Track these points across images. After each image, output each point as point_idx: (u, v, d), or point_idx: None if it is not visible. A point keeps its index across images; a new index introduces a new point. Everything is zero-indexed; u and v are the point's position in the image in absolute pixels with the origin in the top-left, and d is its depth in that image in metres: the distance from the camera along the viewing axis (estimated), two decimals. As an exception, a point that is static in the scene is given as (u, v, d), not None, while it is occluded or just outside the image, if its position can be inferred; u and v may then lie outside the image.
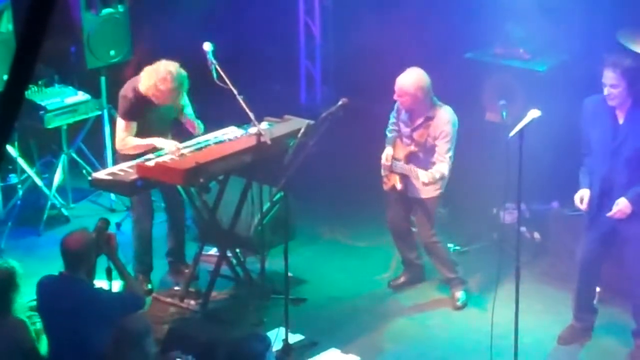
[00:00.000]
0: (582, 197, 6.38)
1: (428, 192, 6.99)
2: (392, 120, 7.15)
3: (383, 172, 7.12)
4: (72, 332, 5.35)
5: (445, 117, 6.85)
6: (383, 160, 7.02)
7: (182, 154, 6.78)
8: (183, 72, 6.81)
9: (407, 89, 6.80)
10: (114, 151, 8.60)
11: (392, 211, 7.32)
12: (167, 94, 6.77)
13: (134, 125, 6.95)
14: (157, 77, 6.74)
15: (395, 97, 6.90)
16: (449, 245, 7.54)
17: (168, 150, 6.82)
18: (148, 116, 6.97)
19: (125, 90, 6.96)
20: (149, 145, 6.90)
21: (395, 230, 7.38)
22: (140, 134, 6.96)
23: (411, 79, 6.80)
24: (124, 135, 6.97)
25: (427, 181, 6.67)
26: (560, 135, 7.47)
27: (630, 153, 6.19)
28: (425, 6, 9.02)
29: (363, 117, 8.53)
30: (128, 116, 6.94)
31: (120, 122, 6.99)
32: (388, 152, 7.04)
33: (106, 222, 5.69)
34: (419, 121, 6.91)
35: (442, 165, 6.75)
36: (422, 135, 6.90)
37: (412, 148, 6.94)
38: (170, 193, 7.28)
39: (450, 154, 6.83)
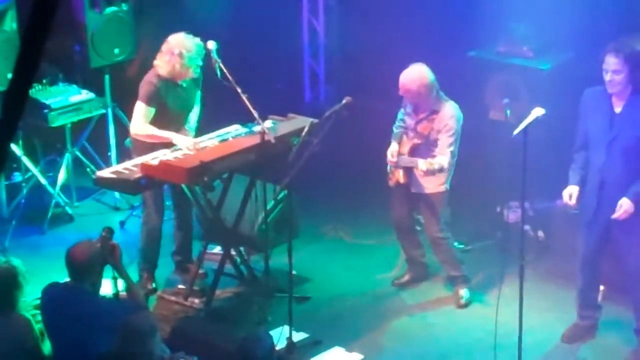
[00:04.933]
0: (571, 193, 6.38)
1: (432, 188, 6.99)
2: (400, 116, 7.15)
3: (389, 169, 7.13)
4: (76, 341, 5.34)
5: (449, 111, 6.86)
6: (388, 157, 7.02)
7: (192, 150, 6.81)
8: (196, 39, 6.92)
9: (409, 86, 6.82)
10: (118, 149, 8.65)
11: (396, 208, 7.33)
12: (185, 57, 6.84)
13: (152, 111, 6.95)
14: (169, 44, 6.86)
15: (400, 92, 6.91)
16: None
17: (184, 146, 6.84)
18: (166, 108, 6.98)
19: (149, 76, 7.00)
20: (164, 138, 6.91)
21: (399, 228, 7.39)
22: (158, 125, 6.97)
23: (413, 76, 6.82)
24: (141, 121, 6.96)
25: (425, 169, 6.71)
26: (564, 133, 7.46)
27: (628, 142, 6.16)
28: (428, 4, 9.02)
29: (367, 116, 8.53)
30: (148, 101, 6.93)
31: (140, 107, 6.97)
32: (393, 148, 7.05)
33: (110, 232, 5.68)
34: (424, 114, 6.92)
35: (442, 158, 6.77)
36: (426, 128, 6.91)
37: (416, 141, 6.95)
38: (180, 191, 7.27)
39: (452, 148, 6.83)
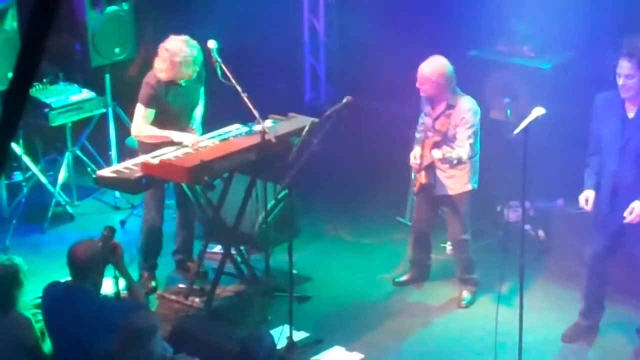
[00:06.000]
0: (587, 198, 6.34)
1: (457, 188, 6.96)
2: (420, 121, 7.13)
3: (413, 176, 7.10)
4: (77, 340, 5.34)
5: (466, 105, 6.83)
6: (411, 160, 6.99)
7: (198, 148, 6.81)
8: (193, 41, 6.89)
9: (428, 76, 6.79)
10: (119, 148, 8.65)
11: (418, 213, 7.32)
12: (184, 64, 6.81)
13: (151, 112, 6.96)
14: (169, 52, 6.82)
15: (417, 85, 6.87)
16: (448, 243, 7.52)
17: (186, 143, 6.84)
18: (168, 107, 6.98)
19: (148, 77, 7.00)
20: (165, 137, 6.92)
21: (418, 232, 7.36)
22: (162, 125, 6.97)
23: (432, 66, 6.80)
24: (141, 122, 6.98)
25: (441, 156, 6.61)
26: (564, 132, 7.47)
27: None
28: (429, 4, 9.01)
29: (367, 115, 8.53)
30: (147, 102, 6.95)
31: (139, 108, 6.99)
32: (416, 151, 7.01)
33: (112, 231, 5.69)
34: (440, 109, 6.87)
35: (461, 150, 6.71)
36: (444, 124, 6.86)
37: (435, 138, 6.89)
38: (183, 191, 7.27)
39: (471, 140, 6.77)
